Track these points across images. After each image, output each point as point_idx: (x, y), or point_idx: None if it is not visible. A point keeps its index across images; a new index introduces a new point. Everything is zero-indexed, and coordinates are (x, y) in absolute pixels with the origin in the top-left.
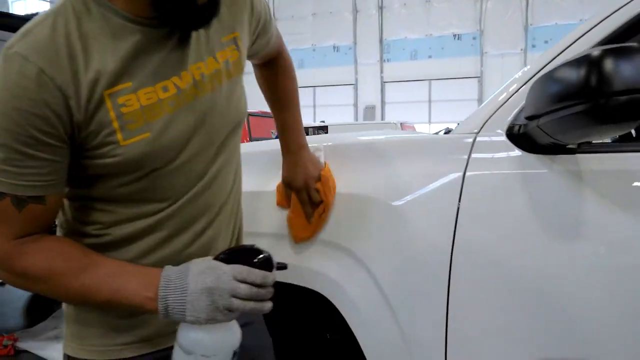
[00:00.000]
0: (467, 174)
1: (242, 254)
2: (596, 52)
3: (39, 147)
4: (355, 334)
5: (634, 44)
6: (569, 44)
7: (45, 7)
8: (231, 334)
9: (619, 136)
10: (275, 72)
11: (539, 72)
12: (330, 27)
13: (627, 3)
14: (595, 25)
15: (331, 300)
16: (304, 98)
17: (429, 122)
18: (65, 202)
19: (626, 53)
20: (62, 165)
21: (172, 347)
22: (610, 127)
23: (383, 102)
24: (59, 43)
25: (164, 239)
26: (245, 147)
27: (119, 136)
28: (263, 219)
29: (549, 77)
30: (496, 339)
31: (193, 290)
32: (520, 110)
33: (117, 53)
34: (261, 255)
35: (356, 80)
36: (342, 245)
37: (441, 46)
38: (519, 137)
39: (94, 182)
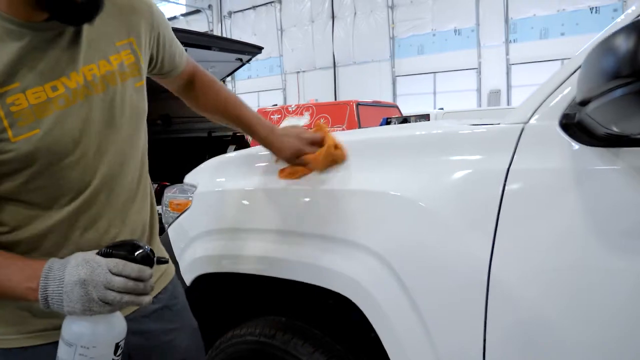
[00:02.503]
0: (512, 169)
1: (121, 249)
2: None
3: None
4: (385, 347)
5: None
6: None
7: (181, 10)
8: (112, 327)
9: None
10: (203, 88)
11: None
12: (451, 10)
13: None
14: None
15: (360, 307)
16: (424, 85)
17: None
18: None
19: None
20: None
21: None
22: None
23: (509, 86)
24: None
25: (68, 238)
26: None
27: (9, 133)
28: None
29: (604, 47)
30: None
31: (68, 282)
32: (573, 99)
33: (2, 57)
34: (140, 250)
35: (479, 64)
36: (370, 249)
37: (575, 22)
38: (574, 127)
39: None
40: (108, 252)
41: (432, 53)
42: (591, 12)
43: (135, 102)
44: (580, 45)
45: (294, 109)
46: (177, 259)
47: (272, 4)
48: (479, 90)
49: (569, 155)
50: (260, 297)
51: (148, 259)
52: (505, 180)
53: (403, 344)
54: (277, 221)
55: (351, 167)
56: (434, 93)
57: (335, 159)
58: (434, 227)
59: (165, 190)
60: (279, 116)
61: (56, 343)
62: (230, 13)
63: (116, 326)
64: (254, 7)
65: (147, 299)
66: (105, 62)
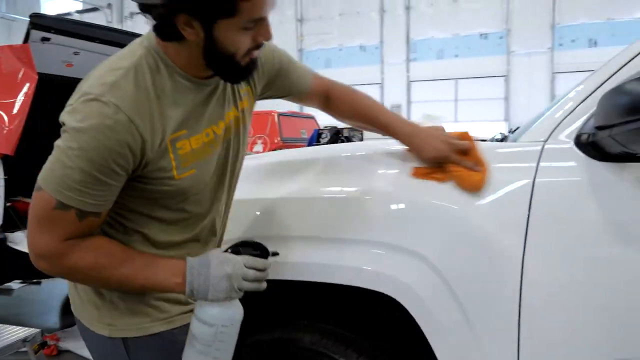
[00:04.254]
0: (537, 181)
1: (247, 247)
2: None
3: (112, 175)
4: (429, 339)
5: None
6: (630, 58)
7: (78, 6)
8: (239, 308)
9: None
10: (337, 102)
11: (603, 83)
12: (357, 27)
13: None
14: None
15: (404, 305)
16: None
17: (455, 120)
18: (123, 220)
19: None
20: (119, 189)
21: (184, 326)
22: None
23: (409, 101)
24: (142, 98)
25: (197, 245)
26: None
27: (175, 172)
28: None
29: (620, 90)
30: (567, 346)
31: (214, 276)
32: (588, 120)
33: (179, 107)
34: (261, 248)
35: (382, 79)
36: (416, 252)
37: (468, 45)
38: (587, 145)
39: (149, 203)
40: (237, 250)
41: (339, 67)
42: (481, 37)
43: (245, 144)
44: (472, 66)
45: None
46: None
47: None
48: (382, 104)
49: (585, 169)
50: (290, 302)
51: (266, 253)
52: (532, 192)
53: (447, 336)
54: (321, 228)
55: (400, 178)
56: None
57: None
58: (472, 237)
59: None
60: None
61: (167, 331)
62: (132, 14)
63: (240, 307)
64: None
65: (265, 284)
66: (235, 109)
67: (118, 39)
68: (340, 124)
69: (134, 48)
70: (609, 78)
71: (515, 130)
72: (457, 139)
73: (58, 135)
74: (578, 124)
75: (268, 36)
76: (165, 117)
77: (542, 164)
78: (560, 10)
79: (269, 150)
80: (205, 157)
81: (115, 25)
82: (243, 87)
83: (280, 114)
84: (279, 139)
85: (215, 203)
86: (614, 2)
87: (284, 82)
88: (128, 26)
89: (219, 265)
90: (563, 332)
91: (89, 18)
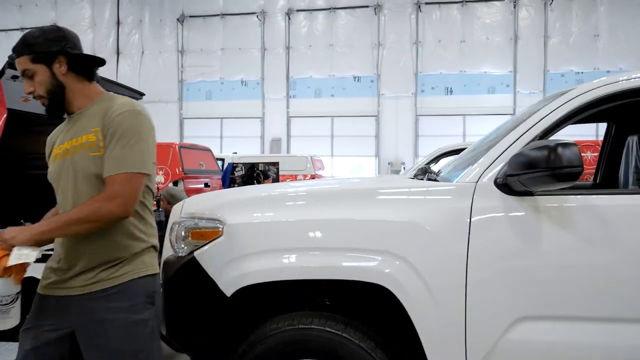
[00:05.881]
0: (473, 206)
1: None
2: (552, 143)
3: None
4: (409, 313)
5: (572, 141)
6: (526, 129)
7: None
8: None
9: None
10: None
11: (508, 148)
12: (238, 62)
13: (552, 111)
14: (535, 124)
15: (393, 292)
16: (212, 129)
17: (332, 155)
18: None
19: (567, 145)
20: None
21: (64, 297)
22: (560, 184)
23: (289, 136)
24: (58, 129)
25: None
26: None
27: (49, 163)
28: None
29: (521, 154)
30: (497, 307)
31: None
32: (501, 169)
33: (59, 130)
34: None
35: (263, 114)
36: (400, 256)
37: (342, 86)
38: (501, 185)
39: None
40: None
41: (220, 99)
42: (354, 80)
43: (84, 162)
44: (346, 105)
45: None
46: (214, 277)
47: None
48: (262, 137)
49: (500, 199)
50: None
51: None
52: (471, 212)
53: (420, 310)
54: (337, 240)
55: (385, 206)
56: (221, 137)
57: None
58: (435, 242)
59: (174, 224)
60: None
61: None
62: None
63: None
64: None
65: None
66: (80, 138)
67: None
68: (254, 160)
69: None
70: (512, 144)
71: (439, 172)
72: None
73: (23, 166)
74: (495, 171)
75: (24, 90)
76: (58, 136)
77: (475, 196)
78: (422, 61)
79: (171, 181)
80: (57, 160)
81: None
82: (95, 126)
83: (181, 146)
84: (180, 169)
85: (63, 197)
86: (466, 57)
87: (106, 154)
88: None
89: None
90: (494, 299)
91: None
